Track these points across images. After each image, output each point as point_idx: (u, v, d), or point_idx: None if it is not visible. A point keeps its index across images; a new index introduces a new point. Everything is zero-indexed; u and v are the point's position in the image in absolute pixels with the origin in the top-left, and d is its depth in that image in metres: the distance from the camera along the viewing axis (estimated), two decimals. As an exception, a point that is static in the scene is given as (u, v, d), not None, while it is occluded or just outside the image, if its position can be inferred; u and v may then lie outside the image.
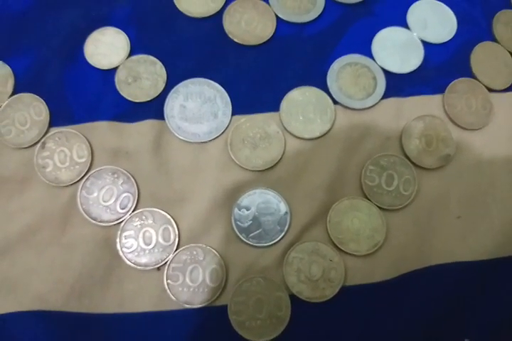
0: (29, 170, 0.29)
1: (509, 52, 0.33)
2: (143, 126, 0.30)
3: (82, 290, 0.28)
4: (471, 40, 0.33)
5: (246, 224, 0.29)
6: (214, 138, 0.30)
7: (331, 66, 0.31)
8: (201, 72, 0.31)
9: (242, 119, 0.30)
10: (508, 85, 0.33)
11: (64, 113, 0.30)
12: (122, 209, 0.29)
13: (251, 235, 0.28)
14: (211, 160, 0.30)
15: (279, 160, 0.30)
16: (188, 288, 0.27)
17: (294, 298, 0.28)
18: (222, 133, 0.30)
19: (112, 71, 0.31)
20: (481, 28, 0.34)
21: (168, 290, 0.27)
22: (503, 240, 0.29)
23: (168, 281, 0.28)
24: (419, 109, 0.31)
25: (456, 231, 0.29)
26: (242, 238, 0.28)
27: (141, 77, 0.31)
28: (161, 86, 0.30)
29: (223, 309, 0.27)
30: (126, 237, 0.28)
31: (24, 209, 0.29)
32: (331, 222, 0.29)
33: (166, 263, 0.28)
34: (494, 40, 0.34)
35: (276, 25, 0.32)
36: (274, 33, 0.32)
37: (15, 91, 0.30)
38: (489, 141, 0.31)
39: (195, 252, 0.28)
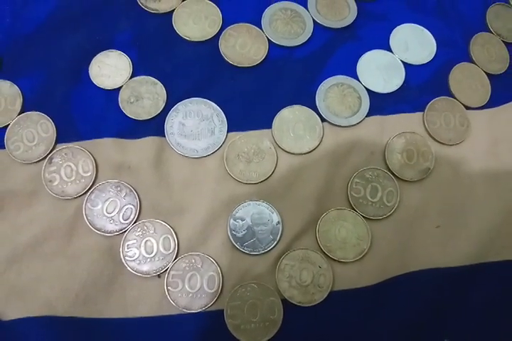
0: (37, 184, 0.30)
1: (485, 72, 0.34)
2: (144, 143, 0.31)
3: (87, 296, 0.28)
4: (450, 62, 0.34)
5: (241, 234, 0.29)
6: (211, 154, 0.31)
7: (319, 86, 0.32)
8: (199, 92, 0.32)
9: (237, 136, 0.31)
10: (484, 103, 0.34)
11: (70, 130, 0.31)
12: (125, 220, 0.29)
13: (245, 244, 0.29)
14: (208, 174, 0.30)
15: (271, 174, 0.30)
16: (187, 294, 0.28)
17: (285, 303, 0.28)
18: (219, 148, 0.31)
19: (116, 91, 0.31)
20: (459, 50, 0.35)
21: (168, 296, 0.28)
22: (479, 247, 0.30)
23: (168, 288, 0.28)
24: (401, 125, 0.32)
25: (436, 239, 0.30)
26: (237, 247, 0.29)
27: (142, 96, 0.31)
28: (162, 105, 0.31)
29: (220, 313, 0.28)
30: (128, 246, 0.29)
31: (32, 221, 0.29)
32: (320, 231, 0.30)
33: (166, 270, 0.28)
34: (471, 61, 0.35)
35: (268, 49, 0.33)
36: (266, 56, 0.33)
37: (23, 110, 0.31)
38: (466, 155, 0.32)
39: (193, 260, 0.29)
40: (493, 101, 0.34)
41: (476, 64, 0.35)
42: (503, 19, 0.36)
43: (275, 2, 0.34)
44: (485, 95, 0.34)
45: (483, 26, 0.36)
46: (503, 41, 0.36)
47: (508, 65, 0.35)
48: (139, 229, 0.29)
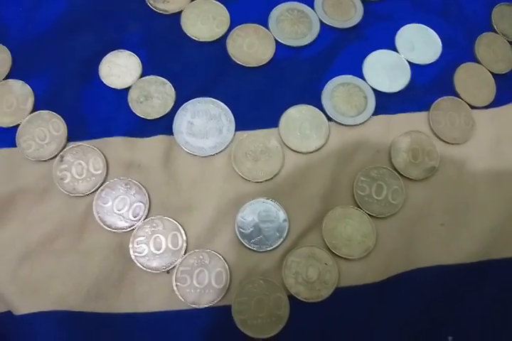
0: (48, 182, 0.30)
1: (490, 71, 0.34)
2: (154, 141, 0.31)
3: (98, 292, 0.29)
4: (455, 61, 0.34)
5: (248, 231, 0.30)
6: (219, 152, 0.31)
7: (325, 86, 0.32)
8: (207, 92, 0.32)
9: (245, 135, 0.31)
10: (489, 102, 0.34)
11: (81, 129, 0.31)
12: (134, 217, 0.30)
13: (252, 241, 0.30)
14: (216, 172, 0.31)
15: (278, 172, 0.31)
16: (195, 289, 0.29)
17: (292, 299, 0.29)
18: (226, 147, 0.31)
19: (125, 91, 0.32)
20: (464, 49, 0.35)
21: (176, 292, 0.28)
22: (482, 245, 0.31)
23: (177, 283, 0.29)
24: (407, 125, 0.32)
25: (440, 237, 0.31)
26: (244, 243, 0.29)
27: (152, 96, 0.32)
28: (170, 104, 0.31)
29: (227, 308, 0.28)
30: (138, 243, 0.29)
31: (44, 218, 0.30)
32: (326, 229, 0.30)
33: (174, 266, 0.29)
34: (476, 60, 0.35)
35: (275, 49, 0.33)
36: (273, 56, 0.33)
37: (34, 109, 0.31)
38: (471, 154, 0.32)
39: (201, 256, 0.29)
40: (498, 101, 0.34)
41: (481, 63, 0.35)
42: (508, 19, 0.36)
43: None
44: (490, 94, 0.34)
45: (489, 26, 0.36)
46: (508, 41, 0.36)
47: (513, 65, 0.35)
48: (148, 226, 0.30)
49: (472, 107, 0.34)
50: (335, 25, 0.34)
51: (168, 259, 0.29)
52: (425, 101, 0.33)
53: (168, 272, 0.29)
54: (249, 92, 0.33)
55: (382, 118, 0.32)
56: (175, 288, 0.29)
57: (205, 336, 0.28)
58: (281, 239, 0.30)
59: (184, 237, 0.29)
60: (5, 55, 0.32)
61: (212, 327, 0.29)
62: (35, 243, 0.29)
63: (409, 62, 0.34)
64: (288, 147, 0.31)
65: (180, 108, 0.32)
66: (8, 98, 0.32)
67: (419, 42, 0.35)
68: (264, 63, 0.33)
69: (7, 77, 0.32)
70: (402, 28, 0.35)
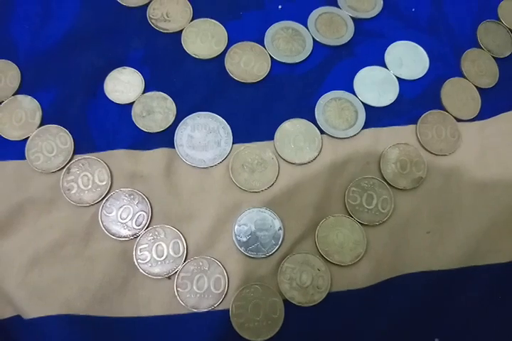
0: (56, 192, 0.31)
1: (475, 86, 0.36)
2: (156, 154, 0.32)
3: (103, 297, 0.30)
4: (442, 76, 0.35)
5: (245, 239, 0.31)
6: (217, 164, 0.32)
7: (318, 101, 0.34)
8: (206, 107, 0.33)
9: (242, 147, 0.32)
10: (474, 116, 0.35)
11: (87, 142, 0.32)
12: (138, 225, 0.31)
13: (249, 248, 0.30)
14: (215, 182, 0.32)
15: (273, 183, 0.32)
16: (195, 294, 0.30)
17: (287, 303, 0.30)
18: (225, 159, 0.32)
19: (129, 106, 0.33)
20: (451, 65, 0.36)
21: (177, 297, 0.29)
22: (467, 252, 0.32)
23: (178, 289, 0.30)
24: (395, 137, 0.33)
25: (427, 244, 0.32)
26: (241, 251, 0.30)
27: (154, 111, 0.33)
28: (172, 119, 0.33)
29: (226, 312, 0.29)
30: (141, 250, 0.30)
31: (52, 227, 0.31)
32: (319, 236, 0.31)
33: (175, 272, 0.30)
34: (462, 75, 0.36)
35: (271, 65, 0.34)
36: (269, 72, 0.34)
37: (42, 123, 0.32)
38: (457, 165, 0.33)
39: (201, 263, 0.30)
40: (483, 114, 0.35)
41: (466, 78, 0.36)
42: (492, 35, 0.38)
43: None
44: (475, 108, 0.35)
45: (474, 42, 0.37)
46: (492, 57, 0.37)
47: (497, 79, 0.36)
48: (150, 234, 0.31)
49: (458, 120, 0.35)
50: (327, 43, 0.36)
51: (169, 266, 0.30)
52: (413, 115, 0.34)
53: (169, 278, 0.30)
54: (246, 107, 0.34)
55: (372, 131, 0.34)
56: (176, 293, 0.30)
57: (204, 339, 0.29)
58: (277, 247, 0.31)
59: (185, 245, 0.30)
60: (14, 72, 0.34)
61: (211, 330, 0.29)
62: (43, 250, 0.30)
63: (397, 78, 0.35)
64: (283, 159, 0.33)
65: (181, 122, 0.33)
66: (18, 112, 0.33)
67: (408, 59, 0.36)
68: (260, 79, 0.34)
69: (16, 93, 0.34)
70: (391, 45, 0.36)
